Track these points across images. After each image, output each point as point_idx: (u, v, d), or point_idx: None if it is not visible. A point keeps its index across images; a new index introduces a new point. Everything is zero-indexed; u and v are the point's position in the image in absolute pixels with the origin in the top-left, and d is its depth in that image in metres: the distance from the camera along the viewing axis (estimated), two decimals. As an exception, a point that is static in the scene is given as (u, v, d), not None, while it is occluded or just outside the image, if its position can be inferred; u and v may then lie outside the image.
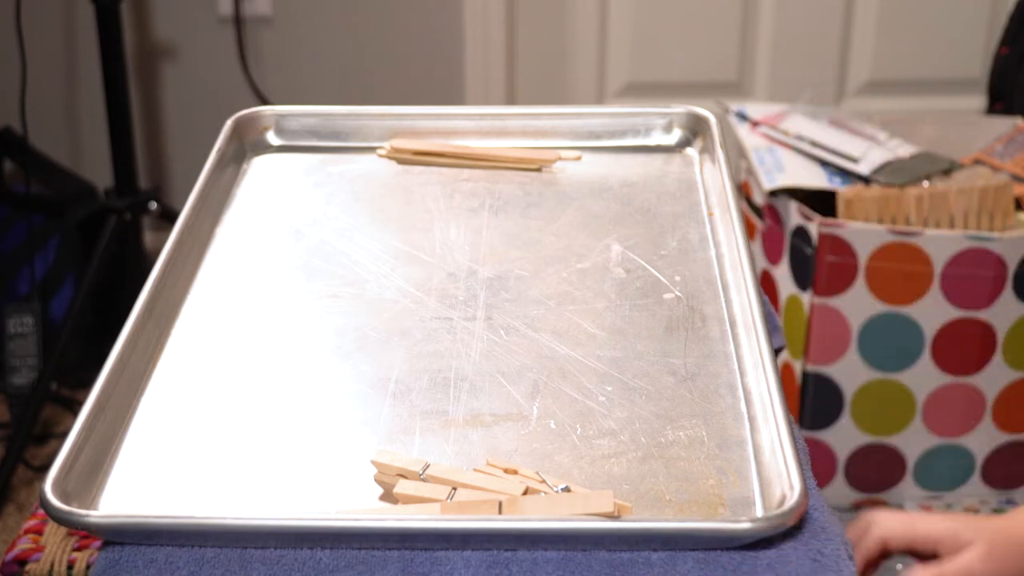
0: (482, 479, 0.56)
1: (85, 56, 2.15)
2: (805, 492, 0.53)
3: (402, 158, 0.81)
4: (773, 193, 1.51)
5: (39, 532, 1.14)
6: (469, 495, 0.55)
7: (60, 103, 2.21)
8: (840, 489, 1.54)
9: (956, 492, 1.55)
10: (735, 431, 0.60)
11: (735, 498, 0.56)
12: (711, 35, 2.13)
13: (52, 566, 1.10)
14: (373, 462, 0.57)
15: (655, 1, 2.11)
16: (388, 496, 0.56)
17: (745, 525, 0.51)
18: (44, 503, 0.53)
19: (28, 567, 1.10)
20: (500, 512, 0.54)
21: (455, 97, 2.22)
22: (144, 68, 2.21)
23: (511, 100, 2.21)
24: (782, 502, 0.53)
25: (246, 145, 0.85)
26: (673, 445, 0.59)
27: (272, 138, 0.86)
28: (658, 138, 0.86)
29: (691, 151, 0.85)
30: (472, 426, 0.60)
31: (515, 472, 0.57)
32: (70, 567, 1.10)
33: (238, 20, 2.15)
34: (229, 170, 0.82)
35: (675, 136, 0.86)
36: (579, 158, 0.84)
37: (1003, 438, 1.52)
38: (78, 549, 1.11)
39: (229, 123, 0.84)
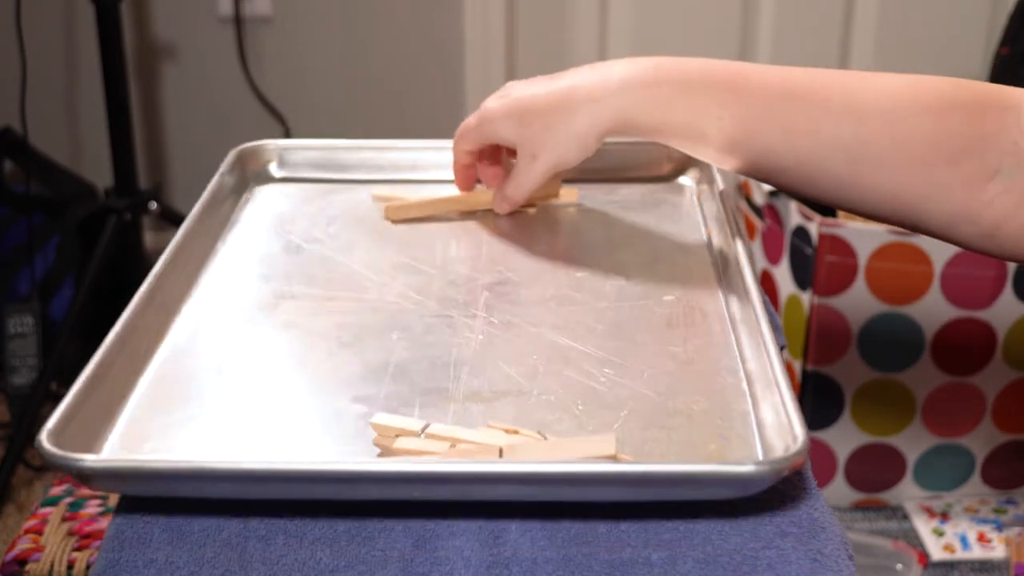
0: (483, 435, 0.57)
1: (85, 56, 2.15)
2: (808, 441, 0.53)
3: (397, 217, 0.81)
4: (773, 193, 1.51)
5: (39, 532, 1.14)
6: (469, 449, 0.56)
7: (60, 103, 2.22)
8: (840, 489, 1.54)
9: (956, 492, 1.55)
10: (738, 405, 0.60)
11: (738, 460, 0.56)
12: (711, 35, 2.13)
13: (52, 566, 1.10)
14: (372, 424, 0.58)
15: (655, 1, 2.12)
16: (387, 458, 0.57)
17: (749, 468, 0.51)
18: (39, 448, 0.52)
19: (28, 567, 1.10)
20: (501, 457, 0.55)
21: (455, 97, 2.22)
22: (144, 68, 2.21)
23: (511, 100, 2.21)
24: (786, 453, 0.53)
25: (248, 175, 0.86)
26: (675, 415, 0.60)
27: (275, 170, 0.88)
28: (656, 169, 0.87)
29: (689, 181, 0.86)
30: (472, 401, 0.61)
31: (516, 432, 0.57)
32: (70, 567, 1.10)
33: (238, 20, 2.15)
34: (230, 197, 0.83)
35: (672, 165, 0.87)
36: (576, 197, 0.84)
37: (1003, 438, 1.52)
38: (78, 549, 1.11)
39: (232, 154, 0.85)
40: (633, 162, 0.87)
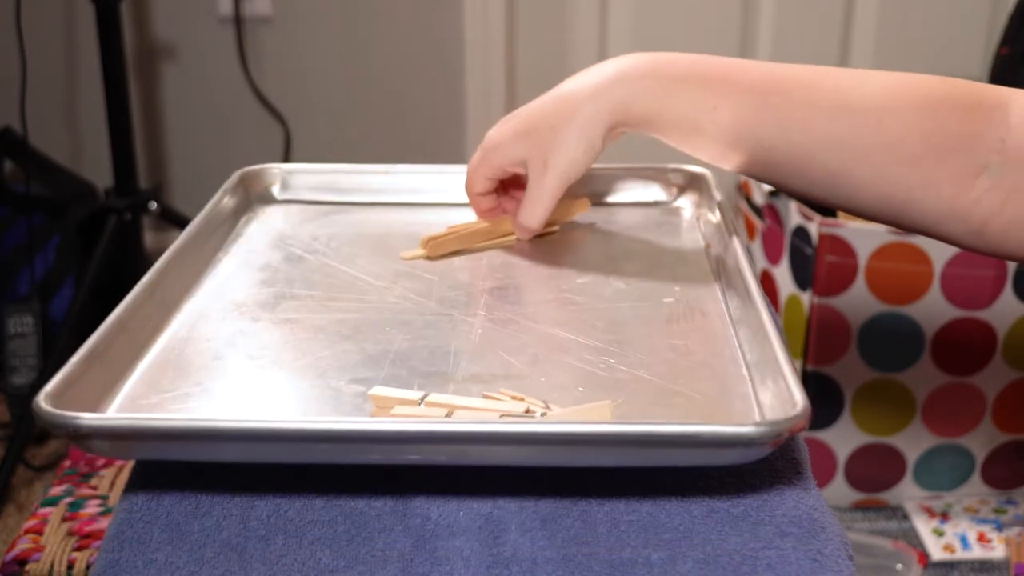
0: (484, 403, 0.57)
1: (85, 56, 2.15)
2: (809, 408, 0.53)
3: (436, 253, 0.81)
4: (773, 193, 1.51)
5: (39, 532, 1.14)
6: (469, 416, 0.56)
7: (60, 103, 2.22)
8: (840, 489, 1.54)
9: (956, 492, 1.55)
10: (738, 388, 0.61)
11: None
12: (711, 35, 2.13)
13: (52, 566, 1.10)
14: (370, 396, 0.58)
15: (655, 1, 2.12)
16: None
17: (750, 428, 0.51)
18: (36, 410, 0.52)
19: (28, 567, 1.10)
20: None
21: (455, 97, 2.22)
22: (144, 68, 2.21)
23: (511, 101, 2.22)
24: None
25: (252, 196, 0.87)
26: (675, 397, 0.60)
27: (277, 192, 0.89)
28: (656, 194, 0.88)
29: (688, 204, 0.87)
30: (472, 382, 0.61)
31: (521, 399, 0.58)
32: (70, 567, 1.10)
33: (238, 20, 2.15)
34: (231, 216, 0.84)
35: (672, 191, 0.88)
36: (587, 206, 0.85)
37: (1003, 438, 1.52)
38: (78, 549, 1.11)
39: (235, 176, 0.86)
40: (632, 187, 0.88)
